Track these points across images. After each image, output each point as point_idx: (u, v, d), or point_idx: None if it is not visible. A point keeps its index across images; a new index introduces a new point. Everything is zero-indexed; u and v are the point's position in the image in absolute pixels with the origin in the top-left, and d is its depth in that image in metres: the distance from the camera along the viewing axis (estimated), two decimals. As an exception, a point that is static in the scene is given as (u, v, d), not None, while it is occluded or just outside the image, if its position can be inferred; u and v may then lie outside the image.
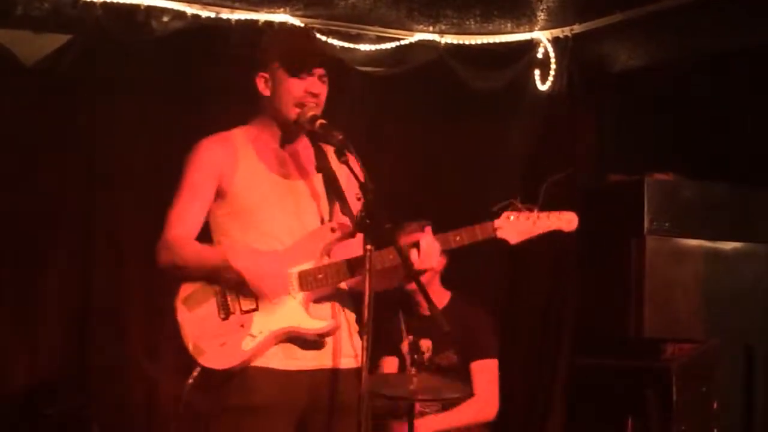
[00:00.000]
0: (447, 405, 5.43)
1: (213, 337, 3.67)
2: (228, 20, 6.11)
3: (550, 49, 6.64)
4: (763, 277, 6.31)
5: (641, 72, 6.66)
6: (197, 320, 3.68)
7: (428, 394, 4.97)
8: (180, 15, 6.02)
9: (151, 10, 5.93)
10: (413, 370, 5.18)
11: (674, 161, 6.41)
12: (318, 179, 3.85)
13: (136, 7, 5.89)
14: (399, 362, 5.50)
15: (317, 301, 3.77)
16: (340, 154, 3.56)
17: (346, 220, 3.71)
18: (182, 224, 3.75)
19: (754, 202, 6.40)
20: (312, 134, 3.79)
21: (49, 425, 5.63)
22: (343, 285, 3.83)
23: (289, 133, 3.85)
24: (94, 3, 5.78)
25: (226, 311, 3.69)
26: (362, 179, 3.51)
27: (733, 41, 6.18)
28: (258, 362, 3.69)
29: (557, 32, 6.61)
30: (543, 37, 6.66)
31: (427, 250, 3.73)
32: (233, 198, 3.78)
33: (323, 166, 3.82)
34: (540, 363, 6.58)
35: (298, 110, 3.75)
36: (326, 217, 3.83)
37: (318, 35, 6.21)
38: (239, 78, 5.89)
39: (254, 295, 3.69)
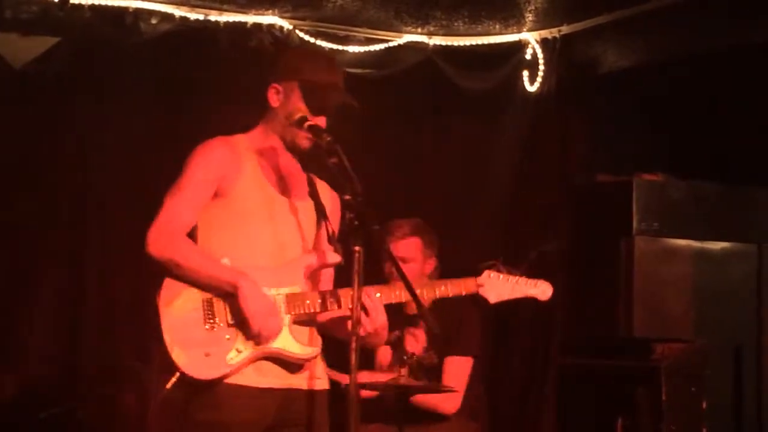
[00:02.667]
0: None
1: (197, 345, 3.62)
2: (216, 22, 6.10)
3: (539, 50, 6.65)
4: (751, 277, 6.32)
5: (630, 72, 6.67)
6: (182, 326, 3.63)
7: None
8: (168, 17, 6.01)
9: (139, 12, 5.93)
10: (403, 371, 5.20)
11: (663, 161, 6.43)
12: (308, 204, 3.87)
13: (125, 9, 5.89)
14: (392, 353, 5.49)
15: (297, 323, 3.76)
16: (329, 155, 3.57)
17: (330, 249, 3.75)
18: (177, 216, 3.71)
19: (742, 202, 6.41)
20: (303, 162, 3.83)
21: (41, 429, 5.62)
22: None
23: (289, 149, 3.84)
24: (83, 5, 5.77)
25: (212, 321, 3.65)
26: (351, 180, 3.52)
27: (721, 41, 6.18)
28: (229, 378, 3.67)
29: (545, 33, 6.61)
30: (531, 38, 6.66)
31: (374, 314, 3.73)
32: (230, 201, 3.76)
33: (313, 194, 3.86)
34: (530, 364, 6.58)
35: (302, 135, 3.74)
36: (309, 243, 3.85)
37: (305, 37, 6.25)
38: (228, 80, 5.92)
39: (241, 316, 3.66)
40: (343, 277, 3.77)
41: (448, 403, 5.44)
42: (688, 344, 5.97)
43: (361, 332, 3.58)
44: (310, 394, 3.80)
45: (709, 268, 6.21)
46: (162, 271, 3.69)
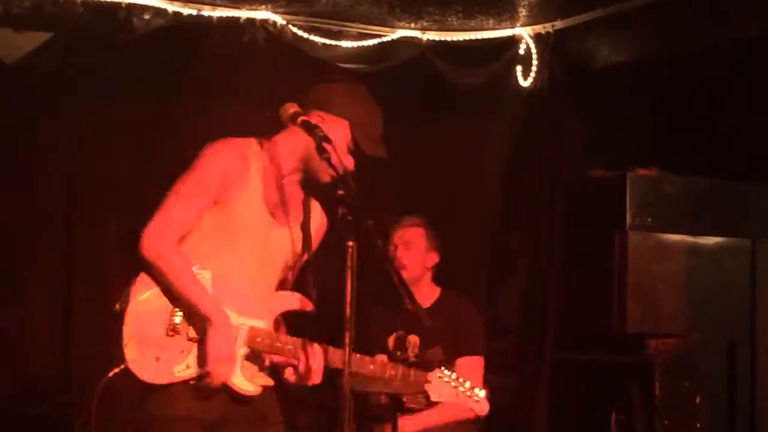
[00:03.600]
0: (432, 402, 5.43)
1: (151, 347, 3.60)
2: (209, 17, 6.10)
3: (532, 45, 6.65)
4: (745, 272, 6.31)
5: (623, 67, 6.67)
6: (143, 322, 3.61)
7: (410, 389, 4.99)
8: (161, 12, 6.01)
9: (132, 7, 5.92)
10: (398, 366, 5.20)
11: (656, 156, 6.42)
12: (297, 236, 3.86)
13: (117, 4, 5.88)
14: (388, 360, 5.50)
15: (251, 359, 3.75)
16: (321, 150, 3.56)
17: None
18: (179, 222, 3.67)
19: (736, 197, 6.41)
20: (307, 188, 3.85)
21: (32, 425, 5.61)
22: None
23: (304, 176, 3.85)
24: (75, 1, 5.77)
25: (174, 329, 3.63)
26: (344, 175, 3.51)
27: (714, 36, 6.18)
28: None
29: (539, 28, 6.62)
30: (525, 33, 6.66)
31: (312, 365, 3.73)
32: (226, 212, 3.72)
33: (304, 220, 3.85)
34: (524, 359, 6.58)
35: (329, 171, 3.68)
36: (289, 277, 3.87)
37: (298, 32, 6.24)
38: (221, 75, 5.90)
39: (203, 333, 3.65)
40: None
41: (480, 406, 5.47)
42: (681, 339, 5.97)
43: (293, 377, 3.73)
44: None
45: (702, 262, 6.21)
46: (145, 269, 3.67)
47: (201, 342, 3.62)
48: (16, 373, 5.83)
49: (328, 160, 3.57)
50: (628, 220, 6.03)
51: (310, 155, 3.75)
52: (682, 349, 5.93)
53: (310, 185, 3.87)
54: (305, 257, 3.86)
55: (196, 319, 3.63)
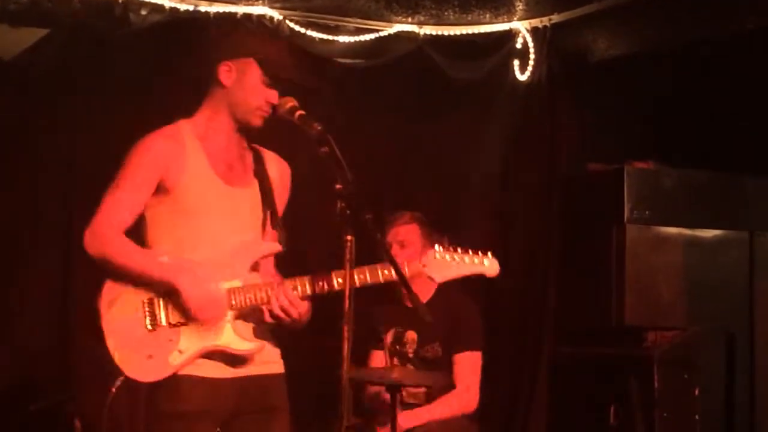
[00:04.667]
0: (431, 398, 5.44)
1: (139, 347, 3.64)
2: (206, 13, 6.09)
3: (529, 39, 6.64)
4: (743, 265, 6.32)
5: (621, 61, 6.67)
6: (123, 328, 3.64)
7: (409, 382, 5.02)
8: (158, 8, 6.00)
9: (129, 3, 5.91)
10: (395, 361, 5.22)
11: (654, 149, 6.43)
12: (254, 189, 3.86)
13: (114, 0, 5.87)
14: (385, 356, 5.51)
15: (242, 317, 3.77)
16: (320, 145, 3.56)
17: (275, 235, 3.76)
18: (115, 214, 3.70)
19: (734, 190, 6.41)
20: (250, 135, 3.83)
21: (32, 422, 5.61)
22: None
23: (239, 129, 3.83)
24: (72, -4, 5.77)
25: (153, 322, 3.66)
26: (342, 169, 3.51)
27: (712, 29, 6.18)
28: (186, 371, 3.69)
29: (536, 22, 6.61)
30: (522, 27, 6.66)
31: (282, 303, 3.72)
32: (176, 197, 3.74)
33: (259, 172, 3.84)
34: (522, 353, 6.58)
35: (253, 114, 3.74)
36: (256, 232, 3.85)
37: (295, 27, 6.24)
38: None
39: (184, 310, 3.67)
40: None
41: (467, 402, 5.49)
42: (680, 332, 5.98)
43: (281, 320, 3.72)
44: (266, 379, 3.83)
45: (700, 255, 6.22)
46: (101, 269, 3.69)
47: (181, 315, 3.66)
48: (17, 369, 5.83)
49: (327, 155, 3.56)
50: (626, 213, 6.04)
51: (234, 104, 3.78)
52: (680, 342, 5.93)
53: (253, 136, 3.87)
54: (271, 206, 3.85)
55: (167, 297, 3.66)
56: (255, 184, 3.86)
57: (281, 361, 3.90)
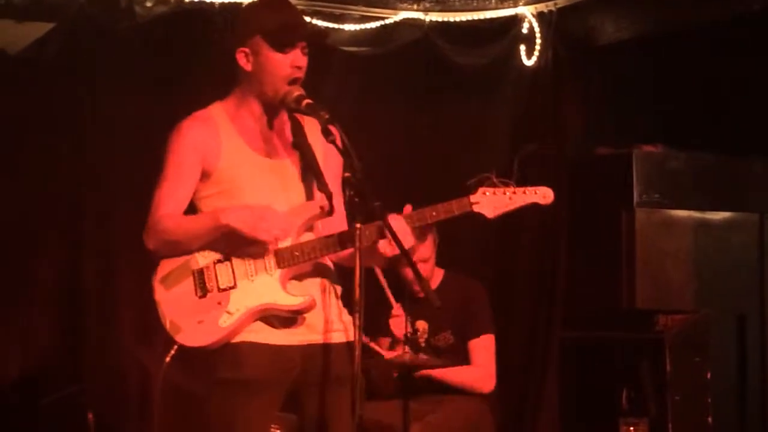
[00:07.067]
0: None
1: (190, 314, 3.66)
2: (212, 4, 6.07)
3: (535, 24, 6.63)
4: (753, 247, 6.33)
5: (627, 44, 6.66)
6: (174, 298, 3.68)
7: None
8: (163, 0, 6.00)
9: (134, -5, 5.92)
10: (407, 348, 5.21)
11: (662, 133, 6.42)
12: (294, 158, 3.83)
13: (119, -7, 5.88)
14: (390, 341, 5.51)
15: (298, 278, 3.75)
16: (327, 133, 3.55)
17: (323, 197, 3.71)
18: (169, 203, 3.72)
19: (742, 172, 6.42)
20: (291, 109, 3.78)
21: (44, 415, 5.63)
22: (328, 261, 3.82)
23: (271, 108, 3.80)
24: (77, -10, 5.77)
25: (203, 289, 3.68)
26: (349, 157, 3.50)
27: (719, 11, 6.17)
28: (247, 337, 3.67)
29: (541, 7, 6.60)
30: (527, 12, 6.64)
31: (401, 231, 3.65)
32: (218, 179, 3.75)
33: (299, 142, 3.80)
34: (532, 337, 6.58)
35: (287, 86, 3.71)
36: (302, 198, 3.81)
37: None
38: (224, 61, 5.88)
39: (233, 273, 3.68)
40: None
41: (483, 380, 5.49)
42: (691, 315, 5.98)
43: (389, 253, 3.64)
44: (327, 348, 3.76)
45: (710, 238, 6.23)
46: (166, 256, 3.71)
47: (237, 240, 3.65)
48: (27, 363, 5.84)
49: (334, 143, 3.55)
50: (636, 197, 6.05)
51: (262, 83, 3.74)
52: (691, 325, 5.94)
53: (287, 107, 3.79)
54: (315, 172, 3.78)
55: (216, 264, 3.68)
56: (295, 154, 3.83)
57: (349, 330, 3.78)
